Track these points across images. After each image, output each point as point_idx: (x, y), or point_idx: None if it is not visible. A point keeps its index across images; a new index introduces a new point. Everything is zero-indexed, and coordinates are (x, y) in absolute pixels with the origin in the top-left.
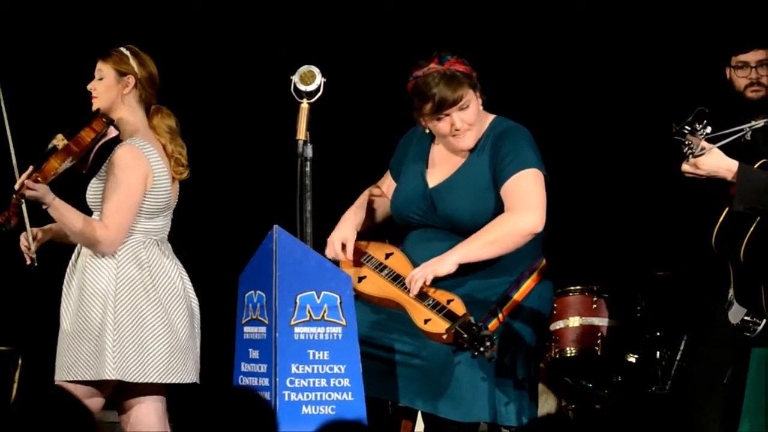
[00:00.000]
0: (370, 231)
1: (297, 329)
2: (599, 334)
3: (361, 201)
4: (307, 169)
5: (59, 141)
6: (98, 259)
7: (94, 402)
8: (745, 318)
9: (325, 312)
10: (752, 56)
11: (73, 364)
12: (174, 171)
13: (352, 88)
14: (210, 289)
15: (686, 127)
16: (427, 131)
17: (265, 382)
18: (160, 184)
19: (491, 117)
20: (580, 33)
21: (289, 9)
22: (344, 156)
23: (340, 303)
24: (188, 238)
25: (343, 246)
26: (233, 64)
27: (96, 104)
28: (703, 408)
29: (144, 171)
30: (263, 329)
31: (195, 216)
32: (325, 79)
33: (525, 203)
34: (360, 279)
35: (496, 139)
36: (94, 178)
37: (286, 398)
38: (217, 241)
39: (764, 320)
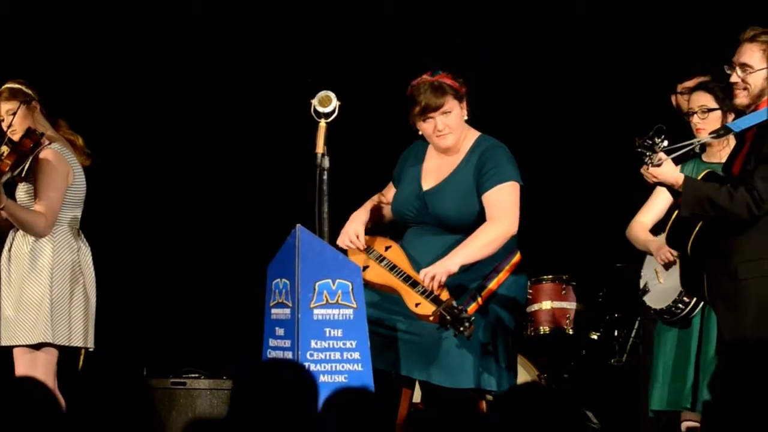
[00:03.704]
0: (373, 229)
1: (316, 311)
2: (568, 316)
3: (368, 204)
4: (325, 177)
5: (5, 149)
6: (39, 245)
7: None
8: (670, 304)
9: (339, 296)
10: (695, 82)
11: (20, 331)
12: (82, 161)
13: (363, 109)
14: (244, 277)
15: (647, 141)
16: (422, 139)
17: (289, 355)
18: (78, 178)
19: (477, 134)
20: (554, 54)
21: (312, 44)
22: (355, 167)
23: (352, 289)
24: (228, 235)
25: (356, 237)
26: (266, 92)
27: (16, 136)
28: (645, 377)
29: (65, 169)
30: (288, 311)
31: (233, 216)
32: (340, 102)
33: (504, 212)
34: (364, 268)
35: (482, 153)
36: (23, 182)
37: (307, 368)
38: (250, 238)
39: (690, 305)
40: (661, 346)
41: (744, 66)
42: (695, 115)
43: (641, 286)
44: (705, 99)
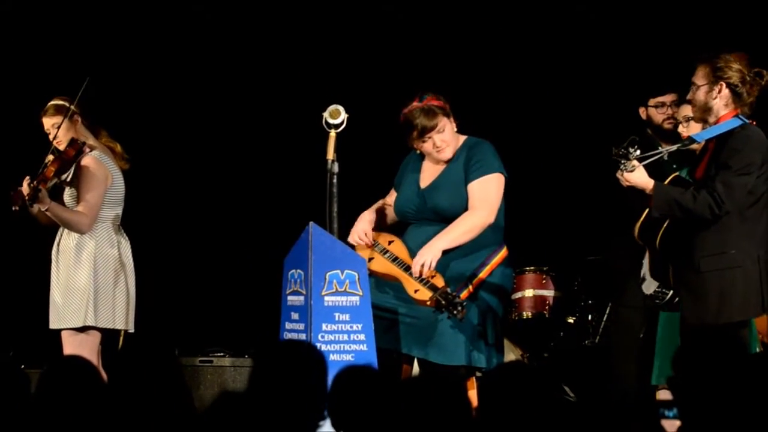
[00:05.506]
0: (378, 228)
1: (326, 298)
2: (547, 302)
3: (374, 207)
4: (334, 181)
5: (50, 157)
6: (83, 240)
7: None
8: (656, 290)
9: (347, 285)
10: (668, 98)
11: (65, 314)
12: (122, 165)
13: (368, 121)
14: (264, 268)
15: (622, 150)
16: (418, 152)
17: (303, 336)
18: (117, 181)
19: (464, 137)
20: (536, 54)
21: (324, 65)
22: (361, 172)
23: (358, 279)
24: (249, 231)
25: (364, 234)
26: (286, 107)
27: (61, 146)
28: (620, 358)
29: (104, 173)
30: (302, 298)
31: (254, 215)
32: (348, 115)
33: (483, 203)
34: (370, 260)
35: (469, 150)
36: (68, 187)
37: (318, 348)
38: (268, 234)
39: (671, 291)
40: (658, 329)
41: (692, 84)
42: (681, 125)
43: (641, 275)
44: (687, 110)
